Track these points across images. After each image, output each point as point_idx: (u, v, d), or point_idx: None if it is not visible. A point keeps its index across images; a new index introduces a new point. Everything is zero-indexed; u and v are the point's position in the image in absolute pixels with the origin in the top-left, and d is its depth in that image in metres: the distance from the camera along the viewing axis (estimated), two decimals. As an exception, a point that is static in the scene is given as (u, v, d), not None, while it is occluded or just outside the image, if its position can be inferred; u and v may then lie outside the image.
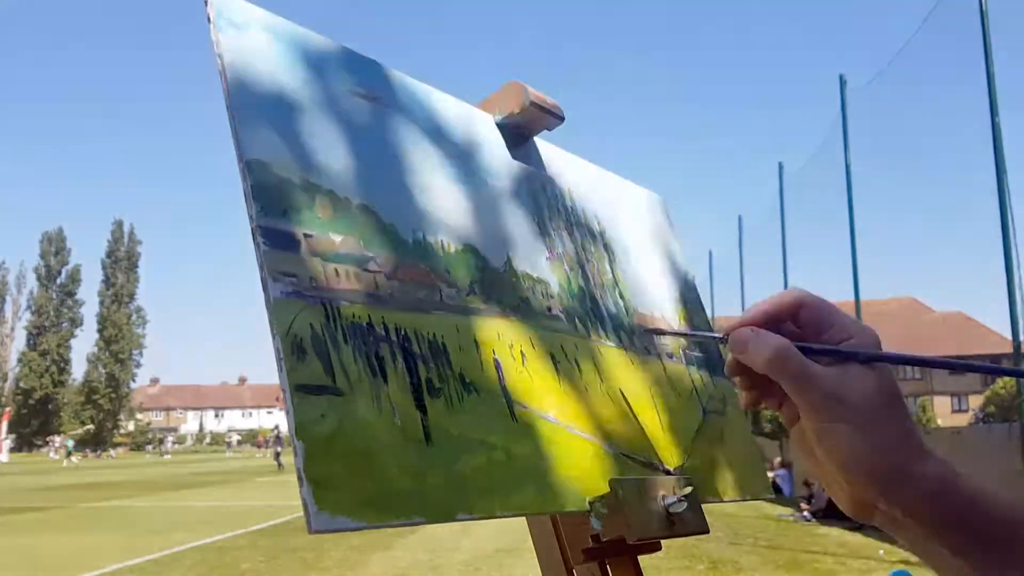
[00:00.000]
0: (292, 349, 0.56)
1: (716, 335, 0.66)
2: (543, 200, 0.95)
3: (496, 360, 0.73)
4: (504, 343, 0.76)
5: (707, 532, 0.79)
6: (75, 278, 75.44)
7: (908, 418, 0.59)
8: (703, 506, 0.81)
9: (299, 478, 0.52)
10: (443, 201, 0.79)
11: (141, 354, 77.28)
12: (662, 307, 1.06)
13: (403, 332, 0.66)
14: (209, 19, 0.65)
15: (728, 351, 0.64)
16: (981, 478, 0.58)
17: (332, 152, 0.69)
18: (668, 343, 1.02)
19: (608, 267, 1.00)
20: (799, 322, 0.62)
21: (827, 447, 0.58)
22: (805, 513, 12.68)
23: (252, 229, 0.59)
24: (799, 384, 0.58)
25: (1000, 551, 0.55)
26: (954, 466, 0.58)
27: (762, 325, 0.62)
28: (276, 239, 0.60)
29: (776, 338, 0.60)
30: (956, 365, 0.64)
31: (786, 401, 0.62)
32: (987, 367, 0.64)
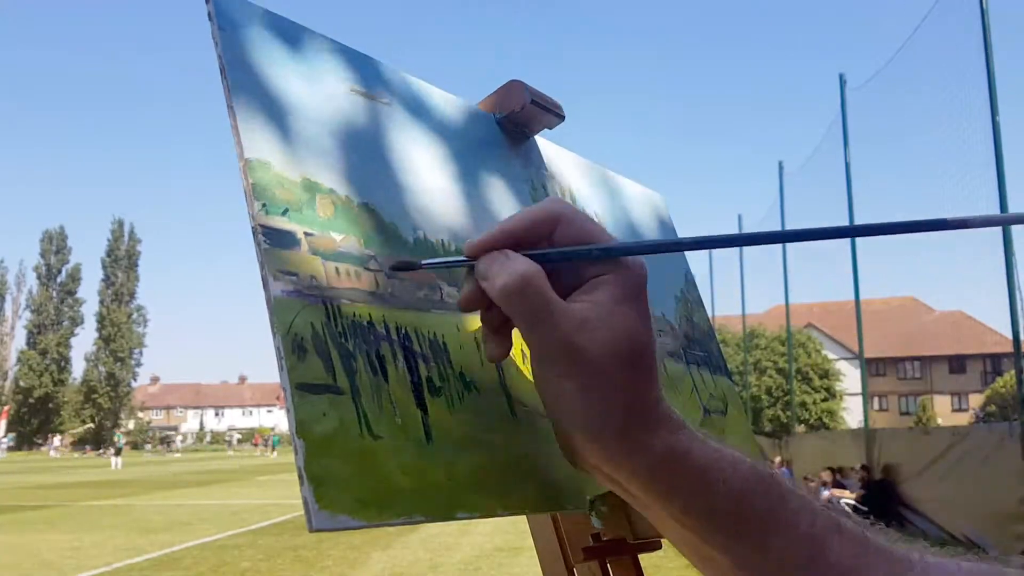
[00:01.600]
0: (292, 348, 0.56)
1: (462, 259, 0.57)
2: (543, 199, 0.95)
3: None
4: (504, 342, 0.75)
5: (708, 531, 0.79)
6: (75, 277, 75.50)
7: (650, 374, 0.52)
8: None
9: (299, 476, 0.52)
10: (444, 200, 0.79)
11: (141, 353, 77.39)
12: (662, 305, 1.06)
13: (404, 331, 0.66)
14: (209, 17, 0.64)
15: (465, 281, 0.56)
16: (730, 448, 0.53)
17: (333, 151, 0.69)
18: (669, 342, 1.02)
19: (608, 266, 1.00)
20: (554, 242, 0.55)
21: (550, 398, 0.52)
22: None
23: (252, 228, 0.59)
24: (532, 320, 0.51)
25: (728, 523, 0.51)
26: (690, 433, 0.52)
27: (509, 246, 0.54)
28: (276, 238, 0.60)
29: (524, 262, 0.52)
30: (779, 237, 0.54)
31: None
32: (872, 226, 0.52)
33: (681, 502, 0.51)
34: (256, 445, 69.07)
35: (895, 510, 11.59)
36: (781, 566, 0.50)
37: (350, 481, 0.54)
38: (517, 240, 0.54)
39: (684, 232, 1.23)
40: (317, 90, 0.71)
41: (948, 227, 0.51)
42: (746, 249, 21.95)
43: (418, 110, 0.83)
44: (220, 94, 0.62)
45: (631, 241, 0.50)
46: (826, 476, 13.42)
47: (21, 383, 70.42)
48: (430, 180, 0.79)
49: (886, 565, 0.50)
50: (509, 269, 0.51)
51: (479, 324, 0.64)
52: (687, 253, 1.21)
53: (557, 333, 0.50)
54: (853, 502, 11.82)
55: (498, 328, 0.58)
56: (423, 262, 0.64)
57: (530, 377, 0.75)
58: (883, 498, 11.70)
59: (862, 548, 0.51)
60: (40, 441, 67.58)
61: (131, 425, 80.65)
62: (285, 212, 0.62)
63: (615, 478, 0.54)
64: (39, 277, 73.85)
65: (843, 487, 12.95)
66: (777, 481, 0.53)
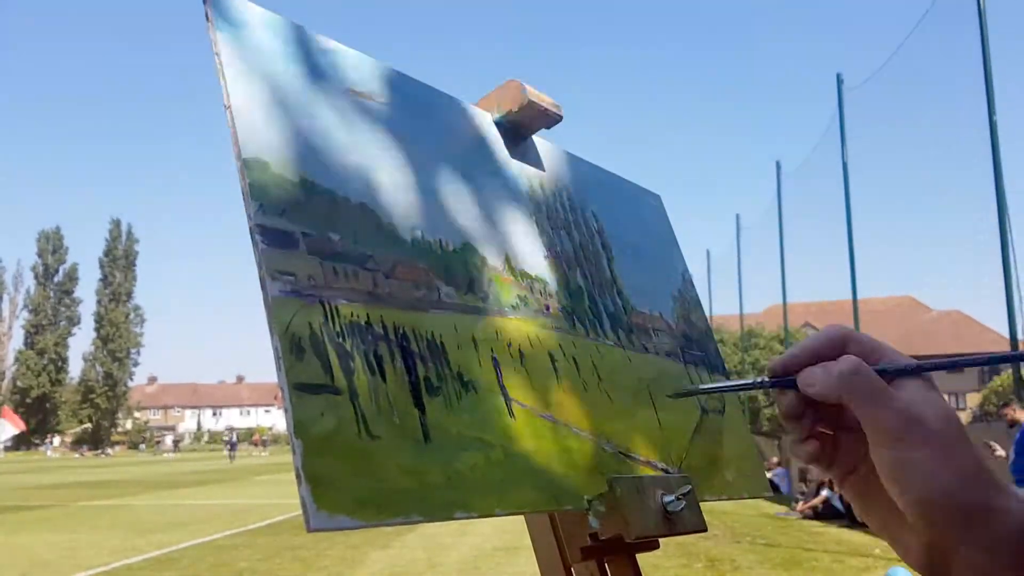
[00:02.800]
0: (290, 348, 0.56)
1: (762, 381, 0.61)
2: (541, 199, 0.95)
3: (494, 359, 0.73)
4: (502, 342, 0.76)
5: (705, 530, 0.79)
6: (72, 277, 75.37)
7: (977, 448, 0.54)
8: (701, 504, 0.81)
9: (297, 476, 0.52)
10: (441, 200, 0.79)
11: (139, 353, 77.23)
12: (660, 306, 1.06)
13: (401, 331, 0.66)
14: (207, 17, 0.64)
15: (777, 394, 0.59)
16: None
17: (330, 151, 0.69)
18: (667, 341, 1.02)
19: (606, 266, 1.00)
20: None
21: (905, 479, 0.52)
22: (799, 511, 12.70)
23: (250, 228, 0.59)
24: (877, 402, 0.54)
25: None
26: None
27: (810, 362, 0.58)
28: (274, 238, 0.60)
29: (846, 357, 0.56)
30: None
31: (840, 450, 0.58)
32: None
33: None
34: (255, 445, 69.04)
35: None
36: None
37: (348, 481, 0.54)
38: (818, 355, 0.58)
39: (682, 231, 1.23)
40: (314, 90, 0.71)
41: None
42: (744, 248, 21.97)
43: (416, 110, 0.83)
44: (218, 94, 0.62)
45: (940, 359, 0.57)
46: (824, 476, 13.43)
47: (19, 383, 70.32)
48: (428, 180, 0.79)
49: None
50: (839, 363, 0.55)
51: (479, 329, 0.63)
52: (684, 250, 1.21)
53: (898, 405, 0.53)
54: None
55: (807, 436, 0.60)
56: (702, 387, 0.69)
57: (528, 376, 0.76)
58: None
59: None
60: (37, 441, 67.48)
61: (128, 425, 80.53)
62: (283, 212, 0.62)
63: (975, 559, 0.52)
64: (36, 277, 73.74)
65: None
66: None
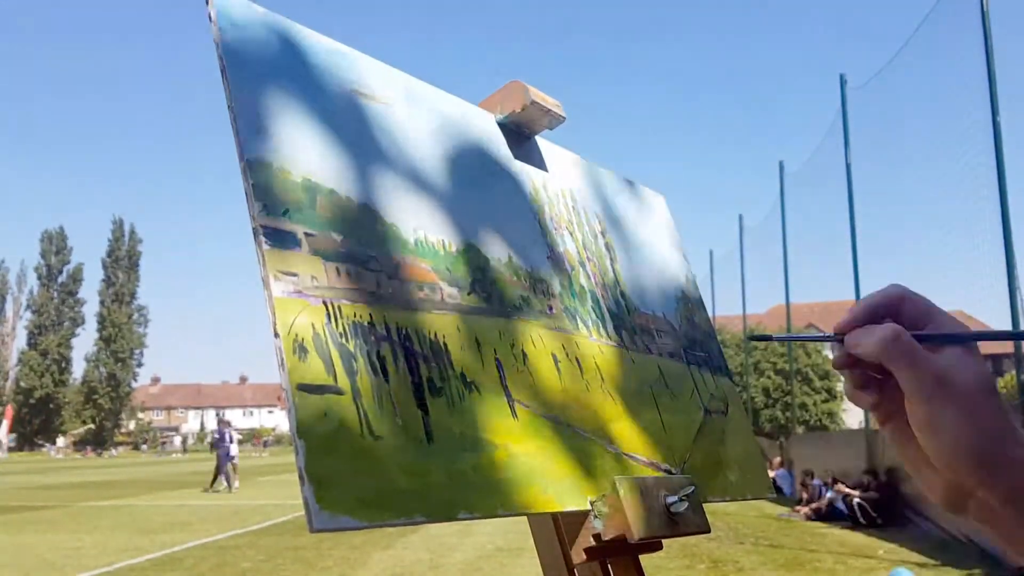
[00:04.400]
0: (293, 348, 0.56)
1: (829, 335, 0.67)
2: (544, 199, 0.95)
3: (497, 359, 0.73)
4: (505, 342, 0.76)
5: (708, 531, 0.79)
6: (76, 277, 75.52)
7: (1005, 407, 0.60)
8: (704, 505, 0.81)
9: (300, 477, 0.52)
10: (444, 200, 0.79)
11: (142, 353, 77.34)
12: (663, 307, 1.06)
13: (404, 331, 0.66)
14: (211, 18, 0.65)
15: (838, 349, 0.66)
16: None
17: (333, 151, 0.69)
18: (669, 342, 1.02)
19: (609, 266, 1.00)
20: (901, 317, 0.64)
21: (934, 431, 0.59)
22: (801, 513, 12.69)
23: (254, 228, 0.59)
24: (911, 365, 0.59)
25: None
26: None
27: (867, 319, 0.64)
28: (277, 238, 0.60)
29: (888, 325, 0.62)
30: None
31: (884, 397, 0.64)
32: None
33: None
34: (256, 445, 69.08)
35: (899, 512, 11.57)
36: None
37: (351, 481, 0.54)
38: (875, 313, 0.64)
39: (685, 231, 1.23)
40: (318, 91, 0.71)
41: None
42: (747, 248, 21.94)
43: (418, 111, 0.83)
44: (221, 95, 0.62)
45: (978, 331, 0.63)
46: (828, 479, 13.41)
47: (22, 383, 70.43)
48: (430, 181, 0.79)
49: None
50: (883, 329, 0.61)
51: (482, 330, 0.64)
52: (687, 250, 1.21)
53: (933, 368, 0.59)
54: (859, 501, 11.80)
55: (863, 385, 0.66)
56: (778, 336, 0.71)
57: (531, 376, 0.76)
58: (886, 501, 11.68)
59: None
60: (41, 442, 67.59)
61: (132, 426, 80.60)
62: (286, 213, 0.62)
63: (990, 502, 0.59)
64: (40, 278, 73.89)
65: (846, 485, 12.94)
66: None
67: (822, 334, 0.68)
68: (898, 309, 0.64)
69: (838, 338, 0.65)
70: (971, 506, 0.60)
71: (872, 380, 0.65)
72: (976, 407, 0.58)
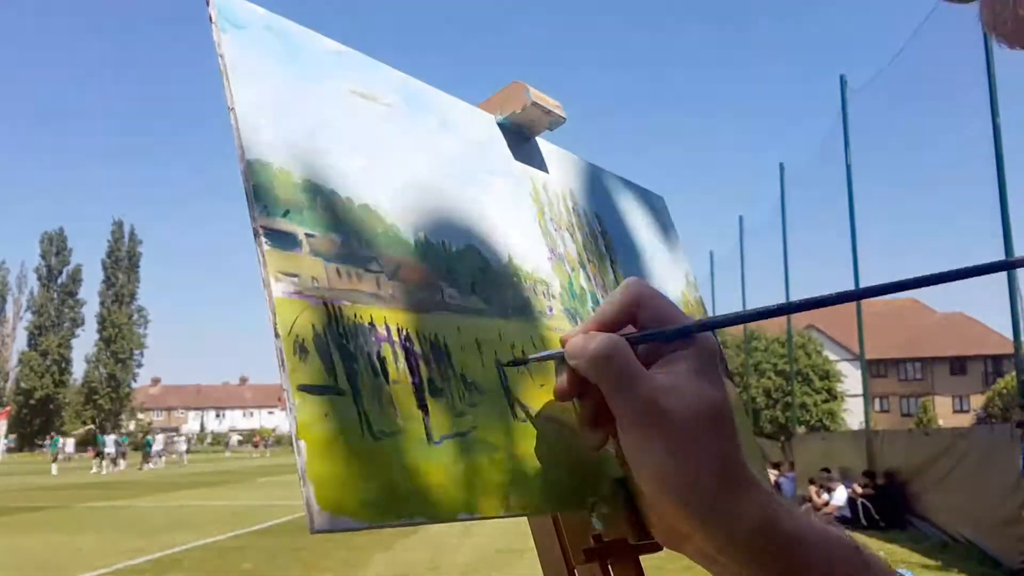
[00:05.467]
0: (294, 349, 0.56)
1: (555, 352, 0.62)
2: (544, 200, 0.95)
3: (497, 360, 0.73)
4: (506, 343, 0.76)
5: (709, 532, 0.79)
6: (76, 278, 75.56)
7: (734, 442, 0.53)
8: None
9: (301, 478, 0.52)
10: (445, 201, 0.79)
11: (142, 354, 77.34)
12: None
13: (405, 332, 0.66)
14: (211, 19, 0.65)
15: (559, 372, 0.59)
16: (807, 518, 0.54)
17: (334, 152, 0.69)
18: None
19: (609, 267, 1.00)
20: (637, 323, 0.58)
21: (637, 465, 0.52)
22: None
23: (254, 229, 0.59)
24: (618, 386, 0.53)
25: None
26: (778, 500, 0.53)
27: (597, 327, 0.57)
28: (278, 239, 0.60)
29: (604, 335, 0.55)
30: (825, 302, 0.56)
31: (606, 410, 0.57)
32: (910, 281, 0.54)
33: (772, 570, 0.51)
34: (256, 446, 69.08)
35: (899, 514, 11.57)
36: None
37: (352, 482, 0.54)
38: (605, 325, 0.57)
39: (685, 232, 1.23)
40: (318, 92, 0.71)
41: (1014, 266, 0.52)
42: (747, 250, 21.94)
43: (419, 112, 0.83)
44: (221, 95, 0.62)
45: (703, 319, 0.55)
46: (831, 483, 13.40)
47: (22, 384, 70.43)
48: (431, 182, 0.79)
49: None
50: (596, 341, 0.54)
51: (483, 331, 0.64)
52: (687, 252, 1.21)
53: (644, 395, 0.51)
54: (863, 501, 11.79)
55: (594, 419, 0.60)
56: (530, 357, 0.68)
57: (531, 377, 0.76)
58: (886, 502, 11.68)
59: None
60: (41, 443, 67.59)
61: (132, 426, 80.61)
62: (286, 214, 0.62)
63: (705, 548, 0.53)
64: (40, 278, 73.90)
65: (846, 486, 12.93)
66: (861, 553, 0.53)
67: (553, 351, 0.61)
68: (634, 314, 0.57)
69: (559, 354, 0.58)
70: (688, 547, 0.54)
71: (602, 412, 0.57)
72: (690, 440, 0.51)
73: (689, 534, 0.52)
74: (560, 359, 0.59)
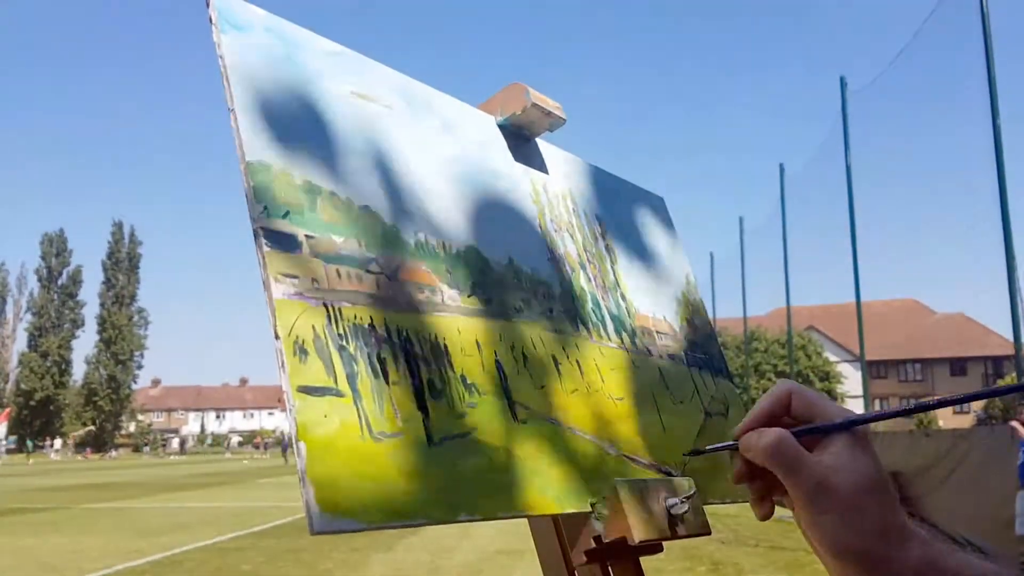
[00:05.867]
0: (294, 350, 0.56)
1: (733, 443, 0.69)
2: (544, 201, 0.95)
3: (498, 361, 0.73)
4: (505, 344, 0.76)
5: (709, 533, 0.79)
6: (76, 279, 75.49)
7: (894, 502, 0.61)
8: (704, 507, 0.81)
9: (301, 479, 0.52)
10: (445, 203, 0.79)
11: (142, 355, 77.27)
12: (664, 309, 1.06)
13: (405, 333, 0.66)
14: (211, 21, 0.65)
15: (734, 460, 0.68)
16: (972, 555, 0.60)
17: (334, 153, 0.69)
18: (670, 344, 1.02)
19: (609, 268, 1.00)
20: (791, 412, 0.66)
21: (815, 535, 0.61)
22: None
23: (254, 230, 0.59)
24: (791, 471, 0.61)
25: None
26: (939, 543, 0.60)
27: (761, 422, 0.66)
28: (278, 240, 0.60)
29: (773, 430, 0.63)
30: (950, 402, 0.67)
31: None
32: (984, 393, 0.67)
33: None
34: (256, 447, 69.07)
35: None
36: None
37: (352, 484, 0.54)
38: (766, 417, 0.66)
39: (685, 233, 1.23)
40: (318, 93, 0.71)
41: None
42: (747, 251, 21.95)
43: (419, 113, 0.83)
44: (222, 97, 0.62)
45: (852, 415, 0.64)
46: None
47: (22, 385, 70.37)
48: (431, 183, 0.79)
49: None
50: (767, 436, 0.63)
51: (482, 332, 0.63)
52: (687, 253, 1.21)
53: (814, 477, 0.60)
54: None
55: (763, 497, 0.68)
56: (707, 448, 0.74)
57: (531, 379, 0.76)
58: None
59: None
60: (40, 444, 67.52)
61: (132, 428, 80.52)
62: (286, 215, 0.62)
63: None
64: (40, 280, 73.87)
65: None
66: None
67: (727, 443, 0.70)
68: (788, 405, 0.66)
69: (735, 446, 0.67)
70: None
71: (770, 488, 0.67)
72: (856, 510, 0.59)
73: None
74: (734, 450, 0.68)
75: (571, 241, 0.95)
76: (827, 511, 0.60)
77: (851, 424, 0.64)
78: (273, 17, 0.71)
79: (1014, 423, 8.33)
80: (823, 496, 0.60)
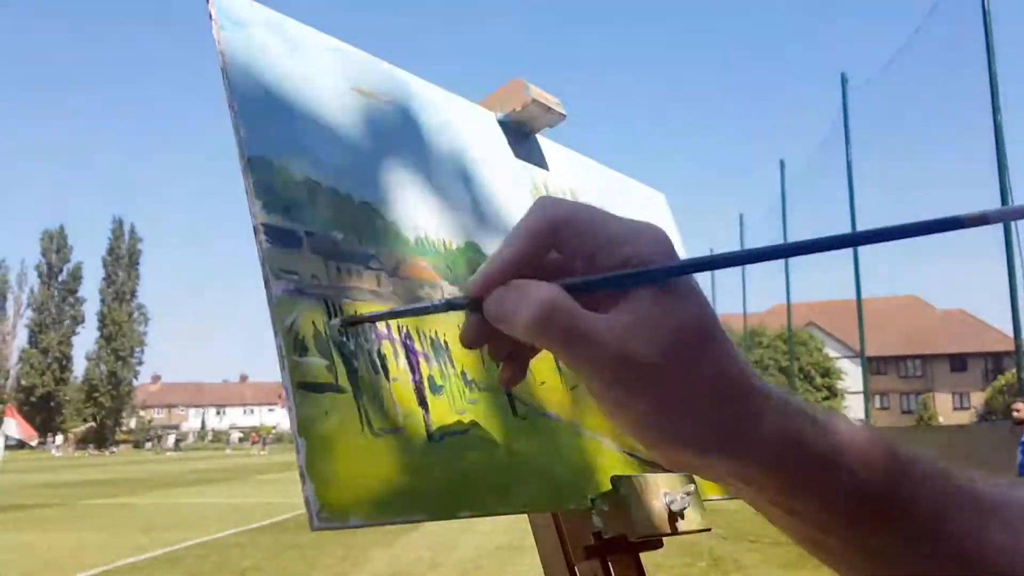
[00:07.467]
0: (294, 347, 0.56)
1: (457, 301, 0.51)
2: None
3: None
4: (506, 340, 0.75)
5: (709, 530, 0.79)
6: (76, 276, 75.52)
7: (729, 357, 0.43)
8: (705, 503, 0.81)
9: (301, 475, 0.52)
10: (445, 199, 0.79)
11: (143, 351, 77.34)
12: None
13: (405, 329, 0.66)
14: (211, 16, 0.64)
15: (468, 321, 0.50)
16: (847, 423, 0.45)
17: (334, 149, 0.69)
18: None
19: (610, 264, 1.00)
20: (561, 248, 0.46)
21: (626, 425, 0.43)
22: None
23: (254, 226, 0.59)
24: (573, 347, 0.42)
25: (848, 514, 0.44)
26: (804, 411, 0.44)
27: (515, 274, 0.45)
28: (278, 237, 0.60)
29: (540, 289, 0.43)
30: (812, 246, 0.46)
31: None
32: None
33: (800, 501, 0.44)
34: (254, 443, 69.21)
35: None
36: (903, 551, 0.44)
37: (352, 480, 0.54)
38: (521, 264, 0.46)
39: (685, 230, 1.23)
40: (318, 89, 0.71)
41: (965, 225, 0.43)
42: (747, 247, 21.93)
43: (419, 109, 0.83)
44: (221, 92, 0.62)
45: (667, 263, 0.43)
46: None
47: (23, 382, 70.48)
48: (431, 179, 0.79)
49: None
50: (528, 300, 0.43)
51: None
52: (687, 249, 1.21)
53: (604, 351, 0.41)
54: None
55: (509, 355, 0.53)
56: (395, 309, 0.61)
57: (532, 374, 0.76)
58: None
59: (976, 509, 0.45)
60: (41, 440, 67.64)
61: (132, 424, 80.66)
62: (286, 211, 0.62)
63: (722, 480, 0.46)
64: (40, 276, 73.92)
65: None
66: (899, 457, 0.45)
67: (447, 301, 0.52)
68: (556, 241, 0.45)
69: (465, 305, 0.48)
70: (710, 475, 0.45)
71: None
72: (677, 382, 0.41)
73: (701, 466, 0.44)
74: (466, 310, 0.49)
75: (571, 237, 0.95)
76: (634, 394, 0.41)
77: (663, 276, 0.42)
78: (273, 13, 0.71)
79: (1018, 404, 8.34)
80: (624, 373, 0.41)
